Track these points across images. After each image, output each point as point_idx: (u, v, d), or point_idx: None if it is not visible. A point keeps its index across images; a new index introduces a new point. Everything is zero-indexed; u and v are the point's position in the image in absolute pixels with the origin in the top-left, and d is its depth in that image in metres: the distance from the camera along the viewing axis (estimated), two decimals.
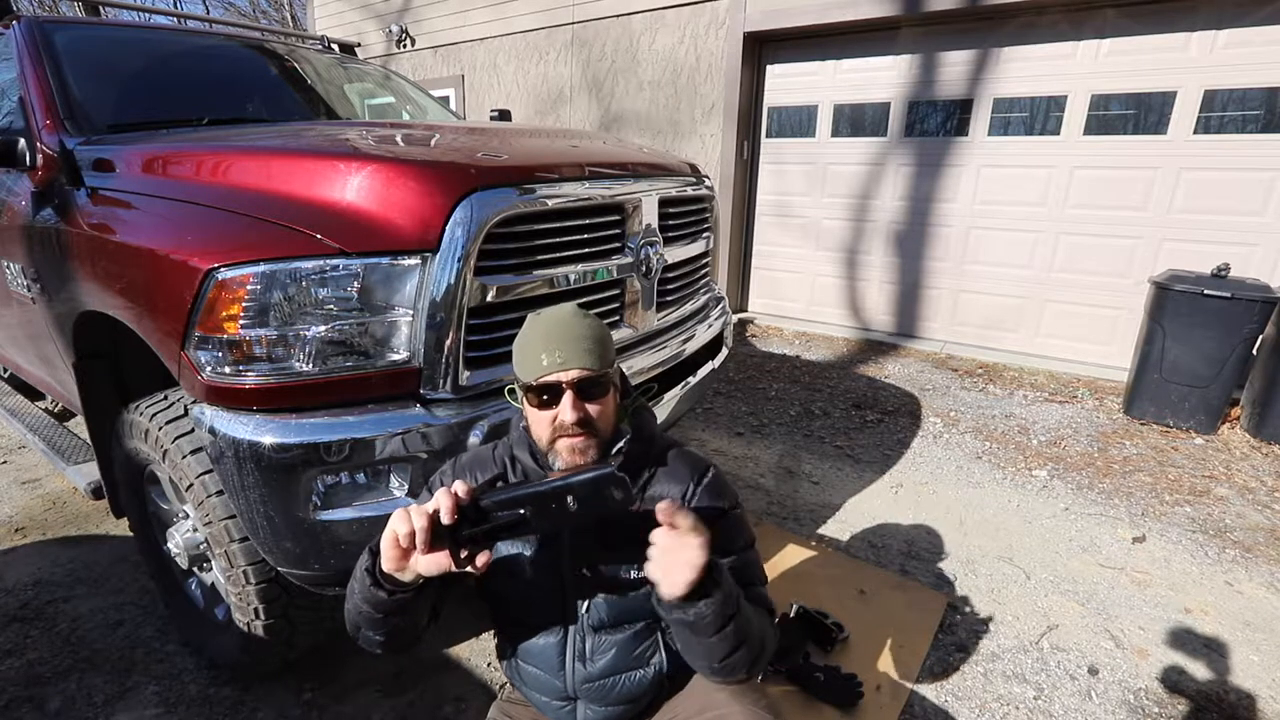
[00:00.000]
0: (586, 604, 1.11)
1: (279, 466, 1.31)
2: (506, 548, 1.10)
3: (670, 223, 2.06)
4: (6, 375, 3.31)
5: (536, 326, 1.07)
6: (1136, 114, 4.30)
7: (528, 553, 1.10)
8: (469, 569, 0.90)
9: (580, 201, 1.66)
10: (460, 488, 0.88)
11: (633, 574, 1.08)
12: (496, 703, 1.30)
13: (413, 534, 0.87)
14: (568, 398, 1.02)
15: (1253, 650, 2.03)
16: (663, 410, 1.98)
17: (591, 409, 1.04)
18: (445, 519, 0.87)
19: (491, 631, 1.75)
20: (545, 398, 1.04)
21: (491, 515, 0.88)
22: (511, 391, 1.16)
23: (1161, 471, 3.19)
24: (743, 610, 0.97)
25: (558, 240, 1.63)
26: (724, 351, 2.48)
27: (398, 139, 1.79)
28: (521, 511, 0.87)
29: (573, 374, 1.02)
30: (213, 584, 1.83)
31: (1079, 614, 2.18)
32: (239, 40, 3.02)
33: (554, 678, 1.15)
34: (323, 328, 1.32)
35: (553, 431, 1.04)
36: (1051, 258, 4.73)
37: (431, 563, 0.89)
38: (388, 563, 0.91)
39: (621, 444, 1.10)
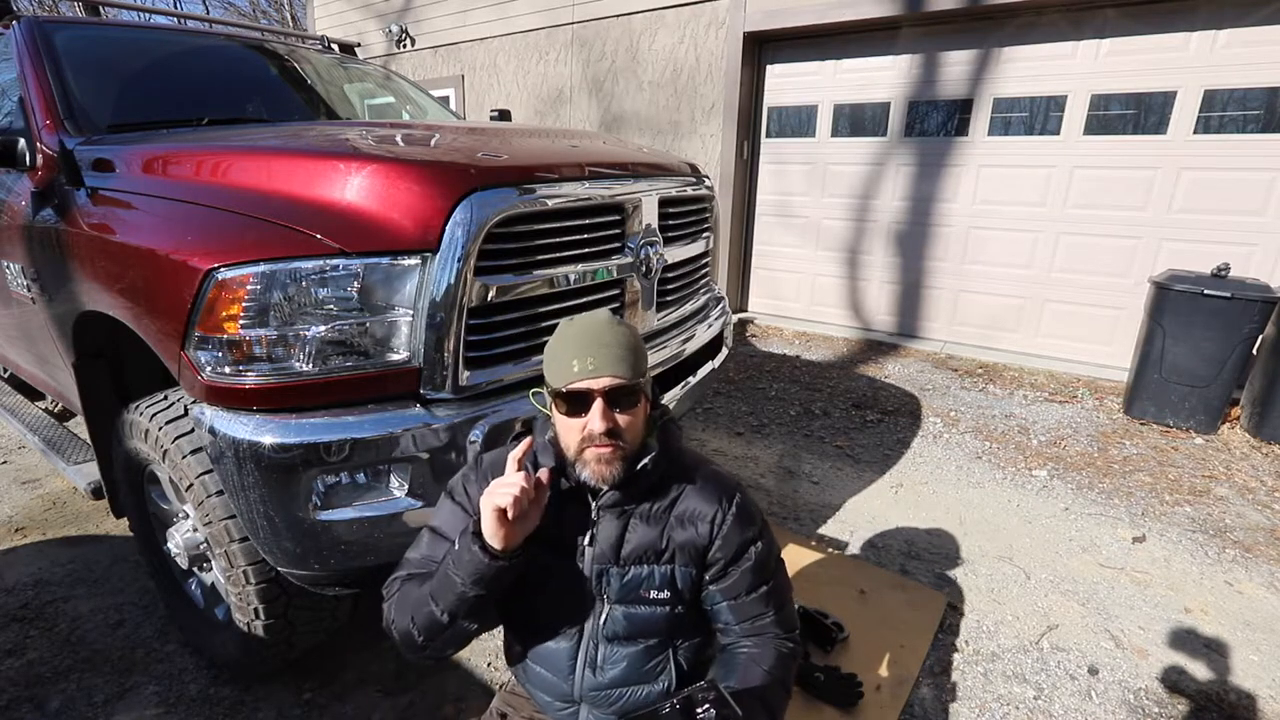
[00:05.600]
0: (604, 614, 1.11)
1: (279, 466, 1.31)
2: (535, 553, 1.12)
3: (670, 223, 2.06)
4: (6, 375, 3.31)
5: (569, 331, 1.05)
6: (1136, 114, 4.30)
7: (552, 562, 1.11)
8: None
9: (580, 201, 1.66)
10: None
11: (652, 594, 1.09)
12: (499, 694, 1.31)
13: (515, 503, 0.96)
14: (598, 406, 1.00)
15: (1253, 650, 2.03)
16: None
17: (621, 419, 1.03)
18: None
19: (492, 631, 1.75)
20: (575, 405, 1.02)
21: None
22: (537, 394, 1.13)
23: (1161, 471, 3.19)
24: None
25: (558, 240, 1.62)
26: (724, 351, 2.48)
27: (398, 139, 1.79)
28: None
29: (604, 382, 1.00)
30: (213, 584, 1.83)
31: (1079, 614, 2.17)
32: (239, 40, 3.01)
33: (562, 681, 1.15)
34: (323, 328, 1.32)
35: (581, 440, 1.03)
36: (1051, 258, 4.72)
37: (529, 522, 1.01)
38: (493, 537, 0.98)
39: (646, 461, 1.08)
